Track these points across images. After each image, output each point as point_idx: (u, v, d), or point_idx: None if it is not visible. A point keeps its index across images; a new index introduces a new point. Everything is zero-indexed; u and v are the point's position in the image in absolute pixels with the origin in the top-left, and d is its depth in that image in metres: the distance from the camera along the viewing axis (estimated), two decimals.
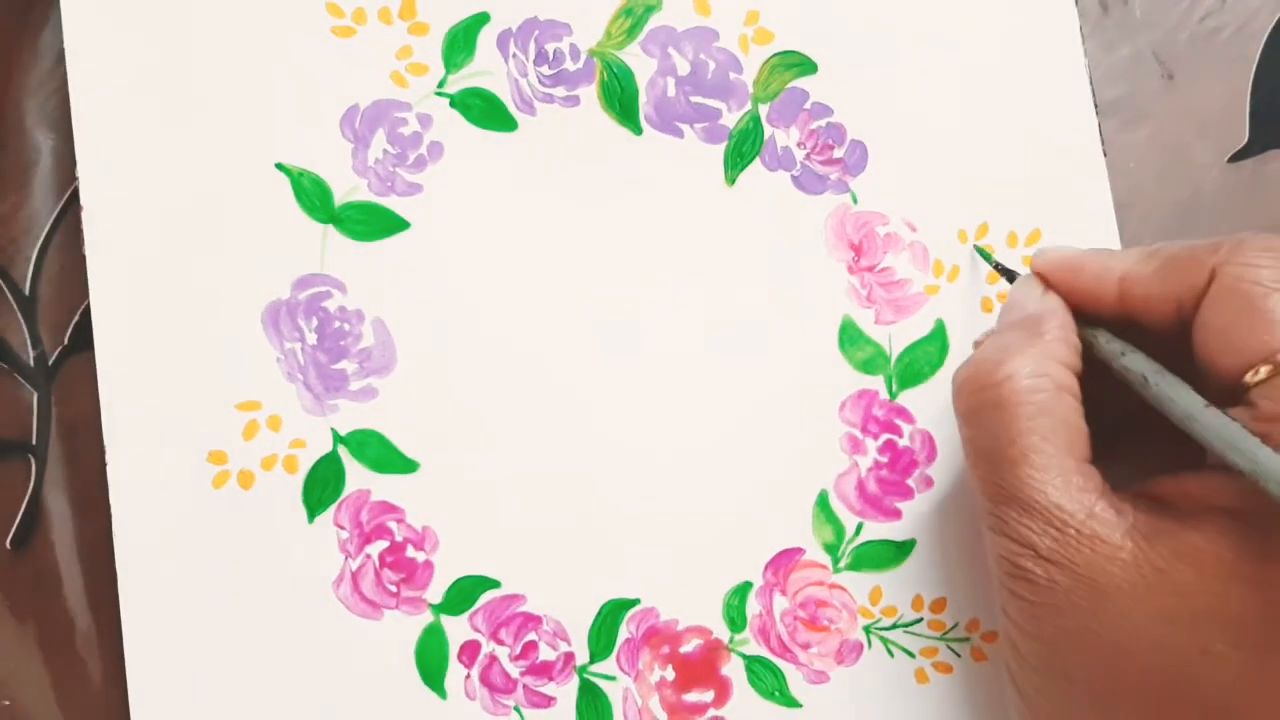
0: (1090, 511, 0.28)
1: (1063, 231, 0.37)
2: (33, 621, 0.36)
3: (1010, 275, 0.35)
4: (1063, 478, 0.29)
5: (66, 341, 0.37)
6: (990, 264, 0.36)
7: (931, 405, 0.36)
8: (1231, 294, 0.29)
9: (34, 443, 0.37)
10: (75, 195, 0.36)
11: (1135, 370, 0.30)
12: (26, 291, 0.37)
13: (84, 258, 0.35)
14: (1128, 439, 0.31)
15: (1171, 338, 0.30)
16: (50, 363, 0.37)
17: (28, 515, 0.36)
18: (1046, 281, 0.32)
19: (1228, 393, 0.29)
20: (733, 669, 0.36)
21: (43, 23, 0.37)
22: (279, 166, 0.36)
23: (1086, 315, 0.32)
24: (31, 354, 0.37)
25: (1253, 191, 0.38)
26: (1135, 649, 0.28)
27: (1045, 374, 0.30)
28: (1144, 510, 0.29)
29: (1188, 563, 0.27)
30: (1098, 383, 0.31)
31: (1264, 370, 0.28)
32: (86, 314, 0.36)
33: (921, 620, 0.36)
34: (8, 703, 0.36)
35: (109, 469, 0.35)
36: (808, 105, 0.37)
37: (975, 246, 0.37)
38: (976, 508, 0.31)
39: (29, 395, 0.37)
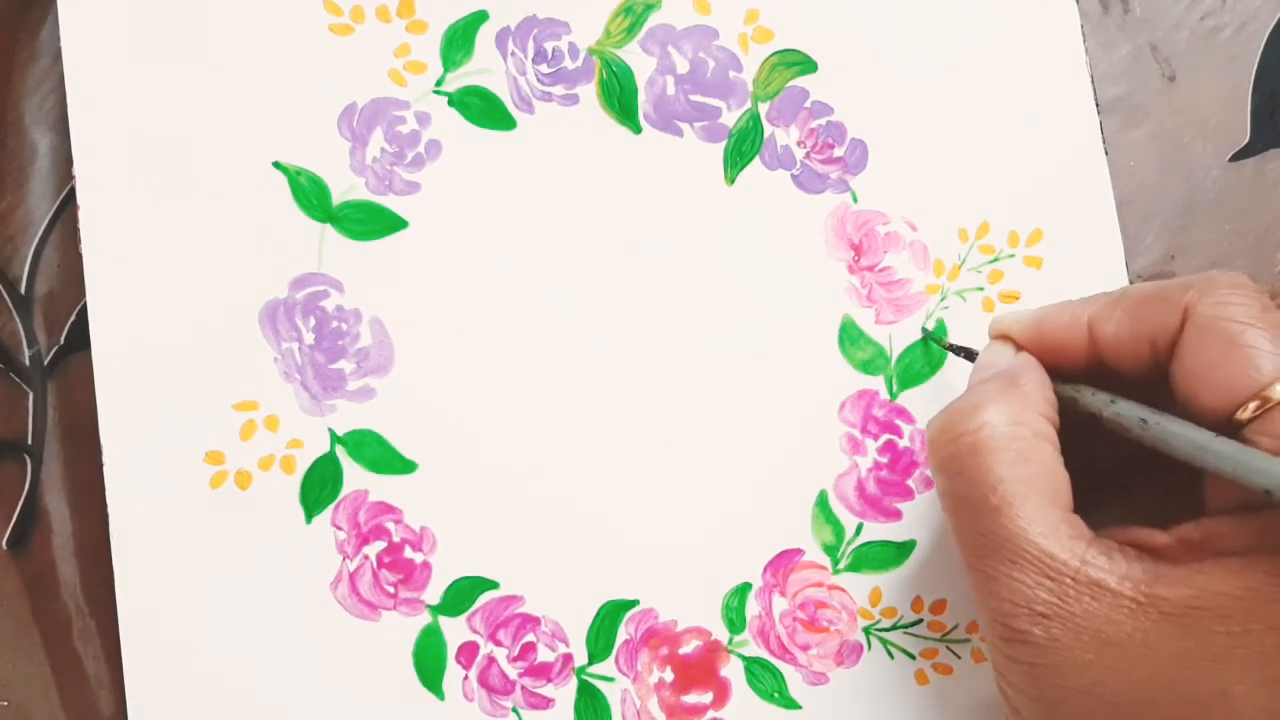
0: (1083, 559, 0.27)
1: (1064, 230, 0.36)
2: (30, 621, 0.36)
3: (970, 354, 0.34)
4: (1050, 525, 0.28)
5: (63, 340, 0.37)
6: (942, 346, 0.36)
7: (932, 405, 0.36)
8: (1209, 332, 0.28)
9: (30, 442, 0.36)
10: (72, 194, 0.36)
11: (1129, 415, 0.29)
12: (23, 290, 0.37)
13: (81, 257, 0.35)
14: (1100, 497, 0.30)
15: (1144, 381, 0.30)
16: (46, 362, 0.37)
17: (24, 515, 0.36)
18: (1015, 344, 0.32)
19: (1216, 431, 0.28)
20: (732, 670, 0.36)
21: (41, 22, 0.37)
22: (276, 165, 0.36)
23: (1059, 372, 0.31)
24: (28, 353, 0.37)
25: (1253, 191, 0.38)
26: (1150, 698, 0.27)
27: (1022, 422, 0.29)
28: (1135, 558, 0.28)
29: (1199, 605, 0.27)
30: (1071, 444, 0.30)
31: (1253, 406, 0.28)
32: (83, 313, 0.36)
33: (921, 621, 0.36)
34: (5, 703, 0.36)
35: (106, 469, 0.35)
36: (808, 104, 0.37)
37: (923, 329, 0.36)
38: (960, 567, 0.30)
39: (25, 395, 0.37)
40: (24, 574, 0.36)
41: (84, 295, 0.35)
